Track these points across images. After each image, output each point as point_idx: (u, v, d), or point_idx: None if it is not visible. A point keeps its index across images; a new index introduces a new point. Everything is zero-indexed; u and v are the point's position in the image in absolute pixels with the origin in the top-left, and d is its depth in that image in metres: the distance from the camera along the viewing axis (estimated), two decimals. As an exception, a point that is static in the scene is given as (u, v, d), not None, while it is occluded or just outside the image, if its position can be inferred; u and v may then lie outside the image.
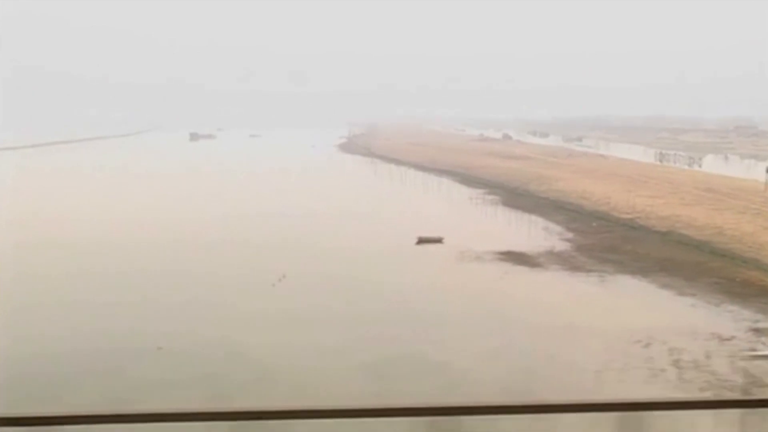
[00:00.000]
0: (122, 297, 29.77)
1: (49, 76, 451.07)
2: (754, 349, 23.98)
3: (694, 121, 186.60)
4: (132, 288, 31.28)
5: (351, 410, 3.37)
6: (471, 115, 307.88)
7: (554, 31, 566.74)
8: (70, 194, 62.29)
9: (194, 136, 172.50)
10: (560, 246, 42.12)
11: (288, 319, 27.73)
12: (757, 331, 26.11)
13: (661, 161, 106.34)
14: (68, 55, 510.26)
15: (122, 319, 27.11)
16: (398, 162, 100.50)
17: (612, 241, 43.39)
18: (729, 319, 27.66)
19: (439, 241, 43.32)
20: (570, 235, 45.70)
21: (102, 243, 41.14)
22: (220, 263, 36.50)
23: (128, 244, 40.45)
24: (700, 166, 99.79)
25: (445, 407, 3.40)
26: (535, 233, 46.82)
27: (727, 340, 25.27)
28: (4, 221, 48.16)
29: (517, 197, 63.55)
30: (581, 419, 3.43)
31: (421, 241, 43.42)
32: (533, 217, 53.11)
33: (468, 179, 77.86)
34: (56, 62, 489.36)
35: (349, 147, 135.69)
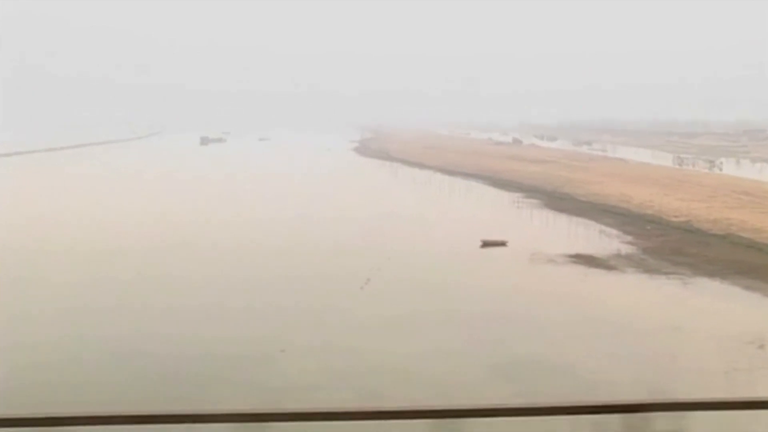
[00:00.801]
0: (223, 302, 29.97)
1: (50, 78, 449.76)
2: None
3: (701, 124, 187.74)
4: (228, 294, 31.48)
5: (356, 413, 3.29)
6: (472, 118, 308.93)
7: (555, 33, 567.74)
8: (113, 200, 62.16)
9: (204, 140, 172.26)
10: (625, 249, 42.50)
11: (389, 323, 27.93)
12: None
13: (680, 165, 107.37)
14: (67, 55, 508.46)
15: (231, 324, 27.32)
16: (421, 166, 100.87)
17: (674, 244, 43.81)
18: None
19: (503, 244, 43.62)
20: (629, 238, 46.10)
21: (171, 249, 41.24)
22: (299, 268, 36.55)
23: (203, 250, 40.58)
24: (720, 169, 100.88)
25: (447, 410, 3.35)
26: (593, 236, 47.25)
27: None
28: (64, 225, 48.42)
29: (558, 201, 63.96)
30: (585, 421, 3.38)
31: (486, 244, 43.69)
32: (583, 220, 53.51)
33: (499, 183, 78.25)
34: (56, 63, 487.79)
35: (364, 151, 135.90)
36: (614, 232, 48.42)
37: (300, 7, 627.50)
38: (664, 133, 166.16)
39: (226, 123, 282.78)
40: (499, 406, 3.36)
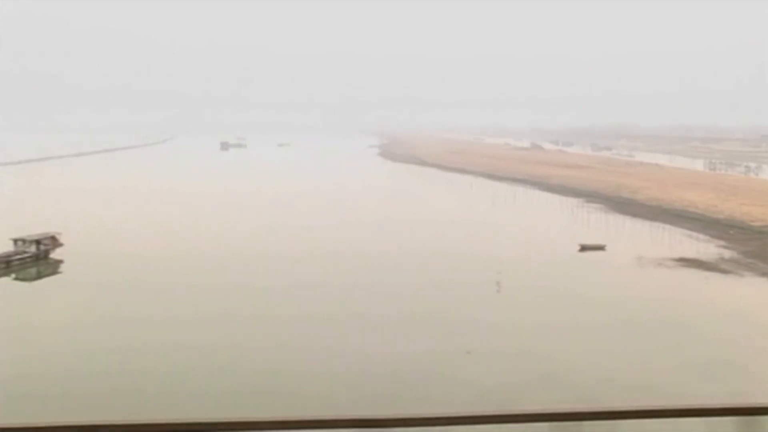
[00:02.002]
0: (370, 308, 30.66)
1: (51, 81, 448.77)
2: None
3: (718, 129, 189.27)
4: (379, 300, 32.21)
5: (471, 417, 3.24)
6: (480, 123, 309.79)
7: (564, 37, 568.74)
8: (218, 210, 61.36)
9: (225, 145, 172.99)
10: (726, 253, 43.36)
11: (541, 325, 28.67)
12: None
13: (713, 170, 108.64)
14: (66, 58, 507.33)
15: (397, 329, 28.03)
16: (461, 171, 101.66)
17: (768, 248, 44.78)
18: None
19: (601, 248, 44.45)
20: (720, 242, 46.97)
21: (297, 258, 41.83)
22: (426, 276, 36.83)
23: (318, 259, 41.15)
24: (756, 174, 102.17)
25: (567, 413, 3.28)
26: (683, 240, 48.14)
27: None
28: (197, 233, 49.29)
29: (623, 205, 64.82)
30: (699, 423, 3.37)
31: (584, 248, 44.52)
32: (661, 225, 54.38)
33: (552, 188, 79.09)
34: (54, 65, 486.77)
35: (392, 155, 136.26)
36: (701, 236, 49.29)
37: (298, 10, 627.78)
38: (683, 138, 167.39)
39: (229, 126, 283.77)
40: (617, 410, 3.30)
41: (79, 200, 65.59)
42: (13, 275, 39.99)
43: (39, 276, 40.61)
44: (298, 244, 45.41)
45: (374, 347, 25.63)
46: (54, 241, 42.56)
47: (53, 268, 41.74)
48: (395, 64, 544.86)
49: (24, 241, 41.41)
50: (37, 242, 41.57)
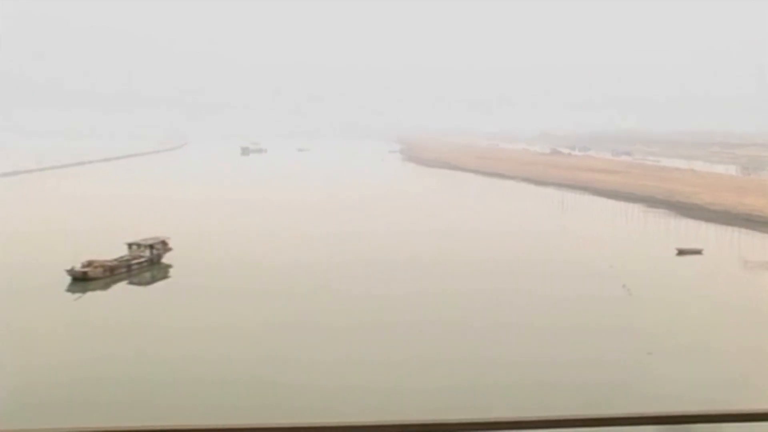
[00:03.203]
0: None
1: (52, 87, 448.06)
2: None
3: (730, 134, 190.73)
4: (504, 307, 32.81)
5: (571, 420, 3.11)
6: (483, 128, 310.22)
7: (571, 44, 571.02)
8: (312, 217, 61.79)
9: (245, 151, 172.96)
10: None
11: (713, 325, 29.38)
12: None
13: (748, 174, 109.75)
14: (65, 61, 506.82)
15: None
16: (500, 176, 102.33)
17: None
18: None
19: (699, 252, 45.17)
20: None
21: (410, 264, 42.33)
22: (545, 286, 36.86)
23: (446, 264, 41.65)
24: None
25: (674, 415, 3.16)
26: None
27: None
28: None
29: (687, 210, 65.60)
30: None
31: (682, 252, 45.23)
32: (737, 229, 55.22)
33: (602, 193, 79.79)
34: (52, 69, 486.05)
35: (420, 160, 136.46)
36: (787, 240, 50.21)
37: (299, 14, 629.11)
38: (702, 144, 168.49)
39: (233, 130, 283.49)
40: (724, 412, 3.17)
41: (151, 207, 65.83)
42: (126, 279, 40.49)
43: (153, 280, 41.11)
44: (385, 251, 45.52)
45: (554, 355, 26.20)
46: (164, 246, 43.04)
47: (164, 272, 42.24)
48: (394, 74, 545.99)
49: (139, 245, 41.86)
50: (151, 247, 42.03)
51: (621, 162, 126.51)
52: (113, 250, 41.63)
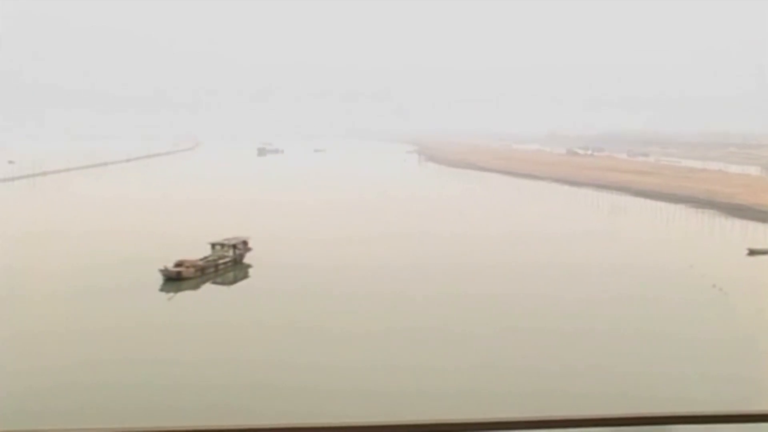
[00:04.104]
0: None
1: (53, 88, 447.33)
2: None
3: (749, 135, 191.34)
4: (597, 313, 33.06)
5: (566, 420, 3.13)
6: (489, 129, 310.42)
7: (576, 44, 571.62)
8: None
9: (262, 151, 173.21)
10: None
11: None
12: None
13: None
14: (65, 63, 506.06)
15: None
16: (529, 177, 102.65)
17: None
18: None
19: (770, 252, 45.60)
20: None
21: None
22: (648, 292, 36.93)
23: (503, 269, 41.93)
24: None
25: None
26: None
27: None
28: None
29: (737, 211, 65.98)
30: None
31: (753, 252, 45.59)
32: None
33: (642, 194, 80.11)
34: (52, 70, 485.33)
35: (445, 161, 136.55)
36: None
37: (302, 16, 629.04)
38: (719, 145, 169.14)
39: (240, 131, 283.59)
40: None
41: (200, 209, 65.94)
42: (211, 279, 40.66)
43: (235, 280, 41.29)
44: (456, 254, 45.58)
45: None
46: (245, 246, 43.25)
47: (245, 272, 42.45)
48: (395, 74, 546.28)
49: (222, 245, 42.06)
50: (234, 246, 42.22)
51: (647, 163, 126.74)
52: (179, 252, 41.38)
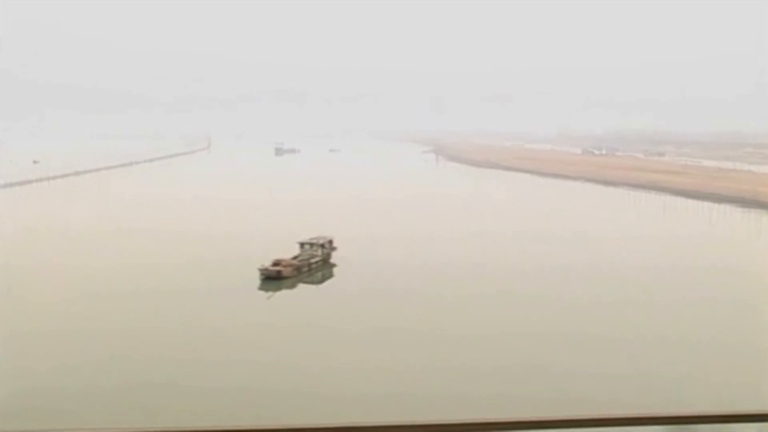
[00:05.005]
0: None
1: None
2: None
3: (763, 135, 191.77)
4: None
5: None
6: (499, 129, 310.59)
7: (581, 45, 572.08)
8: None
9: (279, 151, 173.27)
10: None
11: None
12: None
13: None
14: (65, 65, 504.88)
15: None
16: (563, 177, 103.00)
17: None
18: None
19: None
20: None
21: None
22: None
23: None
24: None
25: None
26: None
27: None
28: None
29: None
30: None
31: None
32: None
33: (682, 194, 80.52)
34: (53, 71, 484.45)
35: (468, 161, 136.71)
36: None
37: (309, 20, 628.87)
38: (734, 145, 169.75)
39: (246, 131, 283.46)
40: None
41: (255, 209, 66.33)
42: (302, 278, 40.96)
43: (323, 279, 41.65)
44: (521, 256, 45.81)
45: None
46: (331, 245, 43.62)
47: (330, 271, 42.82)
48: (396, 75, 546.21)
49: (311, 244, 42.41)
50: (322, 245, 42.58)
51: (672, 163, 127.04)
52: (262, 251, 41.68)
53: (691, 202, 75.35)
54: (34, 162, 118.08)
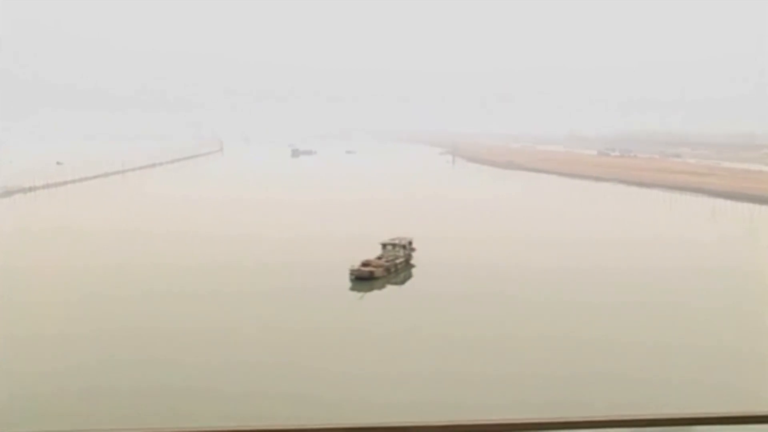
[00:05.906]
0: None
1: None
2: None
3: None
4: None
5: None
6: (497, 131, 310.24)
7: (591, 46, 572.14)
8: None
9: (295, 152, 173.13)
10: None
11: None
12: None
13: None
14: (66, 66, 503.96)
15: None
16: (588, 178, 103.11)
17: None
18: None
19: None
20: None
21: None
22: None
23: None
24: None
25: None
26: None
27: None
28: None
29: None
30: None
31: None
32: None
33: (720, 195, 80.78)
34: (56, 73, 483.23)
35: (490, 162, 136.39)
36: None
37: (316, 21, 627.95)
38: (751, 146, 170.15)
39: (254, 131, 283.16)
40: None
41: (311, 211, 66.44)
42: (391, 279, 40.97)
43: (404, 279, 41.67)
44: (574, 259, 45.71)
45: None
46: (410, 246, 43.72)
47: (409, 272, 42.87)
48: (397, 75, 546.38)
49: (393, 245, 42.51)
50: (404, 246, 42.69)
51: (694, 164, 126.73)
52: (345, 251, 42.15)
53: (729, 203, 75.52)
54: (58, 163, 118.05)
